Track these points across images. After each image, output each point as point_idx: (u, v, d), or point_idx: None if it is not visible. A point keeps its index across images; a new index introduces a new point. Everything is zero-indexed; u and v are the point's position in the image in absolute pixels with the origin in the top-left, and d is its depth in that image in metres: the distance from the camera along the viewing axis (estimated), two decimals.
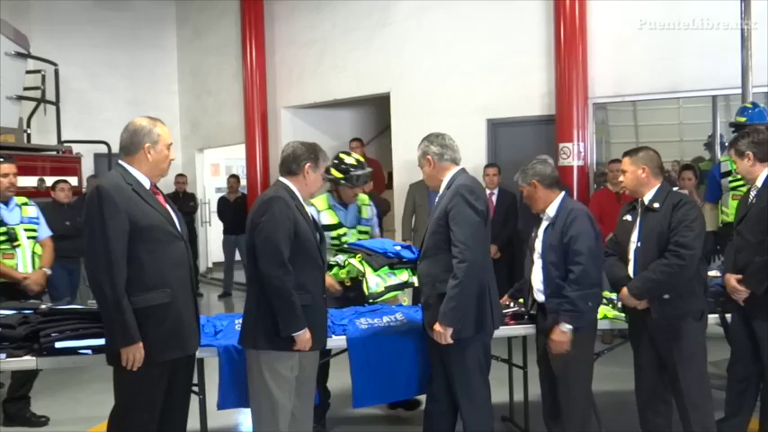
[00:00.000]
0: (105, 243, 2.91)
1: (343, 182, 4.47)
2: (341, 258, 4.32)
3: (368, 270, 4.10)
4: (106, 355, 3.11)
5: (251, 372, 3.37)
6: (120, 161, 3.15)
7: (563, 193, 3.72)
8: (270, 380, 3.29)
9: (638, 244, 3.61)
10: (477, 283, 3.39)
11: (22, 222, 4.69)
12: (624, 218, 3.78)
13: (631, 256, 3.65)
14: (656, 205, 3.58)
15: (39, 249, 4.83)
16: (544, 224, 3.67)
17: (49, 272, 4.80)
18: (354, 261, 4.15)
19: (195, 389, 3.57)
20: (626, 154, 3.75)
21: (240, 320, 3.55)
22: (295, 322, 3.21)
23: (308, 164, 3.40)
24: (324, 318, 3.51)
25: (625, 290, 3.60)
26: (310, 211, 3.69)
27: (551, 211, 3.64)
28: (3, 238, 4.61)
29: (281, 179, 3.43)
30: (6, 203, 4.63)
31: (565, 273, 3.52)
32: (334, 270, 4.30)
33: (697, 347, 3.60)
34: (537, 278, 3.67)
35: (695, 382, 3.57)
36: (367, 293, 3.91)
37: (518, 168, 3.84)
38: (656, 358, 3.68)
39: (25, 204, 4.82)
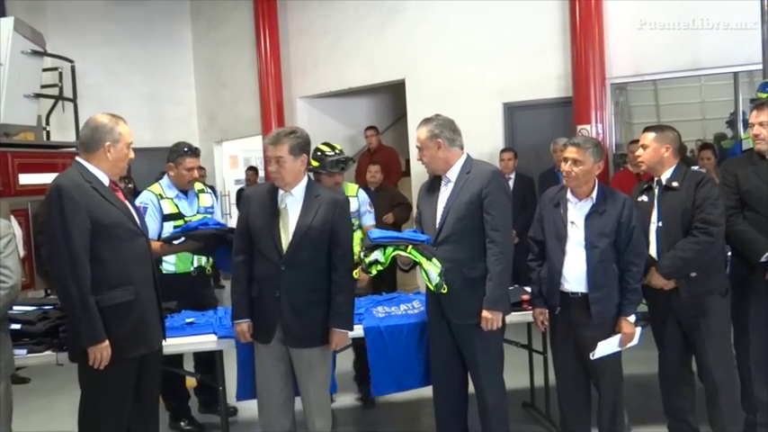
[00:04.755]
0: (68, 241, 2.87)
1: (320, 170, 4.42)
2: (379, 255, 3.75)
3: (424, 261, 3.70)
4: (69, 353, 3.09)
5: None
6: (77, 158, 3.10)
7: None
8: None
9: (660, 224, 3.53)
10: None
11: (198, 213, 4.43)
12: (639, 199, 3.65)
13: (652, 236, 3.56)
14: (676, 184, 3.52)
15: None
16: (586, 209, 3.43)
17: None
18: (404, 253, 3.66)
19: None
20: (649, 129, 3.64)
21: None
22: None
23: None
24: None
25: (654, 270, 3.52)
26: None
27: (594, 194, 3.45)
28: None
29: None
30: (186, 194, 4.42)
31: (616, 258, 3.38)
32: (375, 268, 3.81)
33: (723, 324, 3.57)
34: (573, 268, 3.44)
35: (722, 359, 3.53)
36: (433, 288, 3.45)
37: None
38: (680, 341, 3.64)
39: (202, 192, 4.57)
